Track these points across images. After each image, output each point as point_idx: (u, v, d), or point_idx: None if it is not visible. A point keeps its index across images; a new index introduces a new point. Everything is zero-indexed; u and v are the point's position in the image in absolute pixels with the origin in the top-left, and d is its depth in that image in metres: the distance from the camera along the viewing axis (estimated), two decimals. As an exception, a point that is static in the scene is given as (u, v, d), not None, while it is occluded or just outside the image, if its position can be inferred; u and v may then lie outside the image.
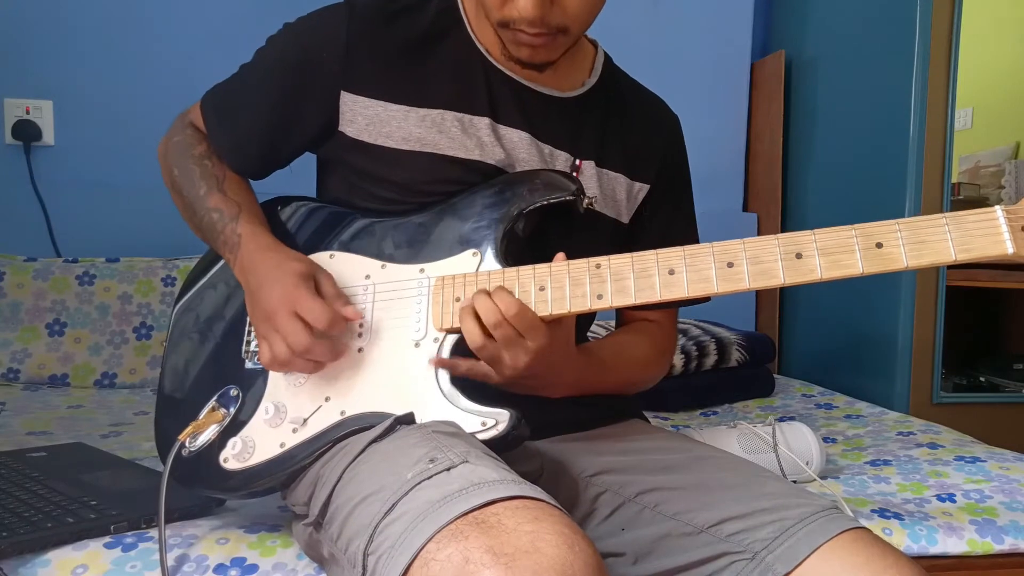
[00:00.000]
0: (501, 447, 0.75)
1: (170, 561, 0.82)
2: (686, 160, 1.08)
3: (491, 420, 0.77)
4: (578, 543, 0.59)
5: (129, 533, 0.88)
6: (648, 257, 0.77)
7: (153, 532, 0.88)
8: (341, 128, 0.91)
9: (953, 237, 0.69)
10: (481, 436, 0.76)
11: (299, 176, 1.06)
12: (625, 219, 1.01)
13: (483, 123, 0.91)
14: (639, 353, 1.01)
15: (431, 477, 0.66)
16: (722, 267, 0.75)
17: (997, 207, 0.69)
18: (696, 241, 1.03)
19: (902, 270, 0.71)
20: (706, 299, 1.02)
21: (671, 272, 0.76)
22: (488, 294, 0.78)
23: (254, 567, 0.84)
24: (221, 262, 0.98)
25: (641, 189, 1.01)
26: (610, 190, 0.98)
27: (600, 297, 0.78)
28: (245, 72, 0.98)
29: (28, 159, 2.02)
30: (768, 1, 2.52)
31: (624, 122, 1.00)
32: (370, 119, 0.90)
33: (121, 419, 1.52)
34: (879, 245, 0.71)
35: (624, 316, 1.07)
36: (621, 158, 0.99)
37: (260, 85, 0.95)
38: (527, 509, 0.61)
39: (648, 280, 0.77)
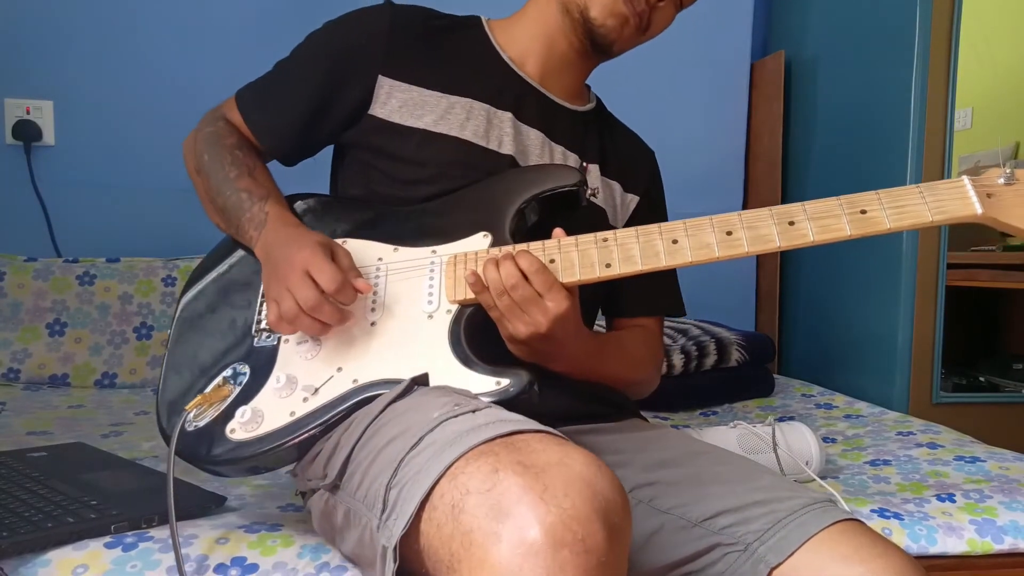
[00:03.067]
0: (512, 408, 0.76)
1: (170, 561, 0.82)
2: (664, 192, 1.16)
3: (504, 380, 0.78)
4: (602, 466, 0.61)
5: (129, 533, 0.87)
6: (652, 230, 0.82)
7: (153, 532, 0.88)
8: (371, 111, 0.97)
9: (928, 202, 0.77)
10: (494, 396, 0.77)
11: (308, 178, 1.07)
12: (619, 225, 1.07)
13: (506, 117, 0.99)
14: (635, 351, 1.06)
15: (457, 416, 0.68)
16: (722, 235, 0.80)
17: (964, 176, 0.78)
18: None
19: (885, 232, 0.78)
20: (682, 312, 1.12)
21: (674, 241, 0.80)
22: (512, 258, 0.80)
23: (254, 566, 0.84)
24: (231, 256, 1.00)
25: (632, 200, 1.09)
26: (608, 195, 1.06)
27: (608, 265, 0.82)
28: (283, 64, 1.03)
29: (28, 159, 2.02)
30: (768, 1, 2.52)
31: (616, 143, 1.10)
32: (403, 102, 0.97)
33: (121, 419, 1.52)
34: (863, 212, 0.78)
35: (615, 323, 1.12)
36: (617, 169, 1.08)
37: (301, 70, 1.01)
38: (554, 439, 0.63)
39: (653, 249, 0.81)
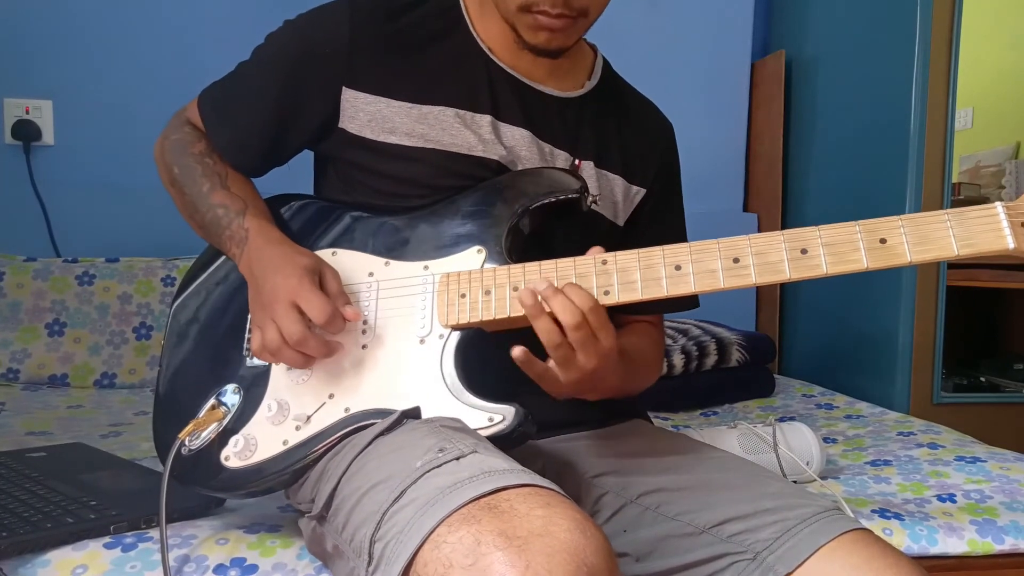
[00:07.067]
0: (507, 444, 0.75)
1: (170, 561, 0.82)
2: (679, 168, 1.09)
3: (498, 416, 0.76)
4: (589, 529, 0.59)
5: (129, 533, 0.88)
6: (654, 253, 0.77)
7: (153, 532, 0.88)
8: (342, 125, 0.91)
9: (955, 233, 0.70)
10: (488, 432, 0.76)
11: (297, 174, 1.06)
12: (620, 221, 1.01)
13: (484, 120, 0.92)
14: (650, 356, 1.02)
15: (441, 465, 0.66)
16: (728, 263, 0.74)
17: (997, 203, 0.70)
18: None
19: (906, 265, 0.72)
20: (695, 305, 1.04)
21: (677, 268, 0.76)
22: (561, 292, 0.75)
23: (254, 567, 0.84)
24: (220, 259, 0.98)
25: (638, 193, 1.02)
26: (608, 191, 0.99)
27: (607, 293, 0.78)
28: (244, 69, 0.97)
29: (28, 159, 2.03)
30: (768, 1, 2.52)
31: (622, 125, 1.01)
32: (372, 115, 0.90)
33: (121, 419, 1.52)
34: (883, 241, 0.72)
35: (620, 319, 1.06)
36: (619, 160, 1.00)
37: (261, 81, 0.95)
38: (539, 496, 0.61)
39: (654, 275, 0.76)
